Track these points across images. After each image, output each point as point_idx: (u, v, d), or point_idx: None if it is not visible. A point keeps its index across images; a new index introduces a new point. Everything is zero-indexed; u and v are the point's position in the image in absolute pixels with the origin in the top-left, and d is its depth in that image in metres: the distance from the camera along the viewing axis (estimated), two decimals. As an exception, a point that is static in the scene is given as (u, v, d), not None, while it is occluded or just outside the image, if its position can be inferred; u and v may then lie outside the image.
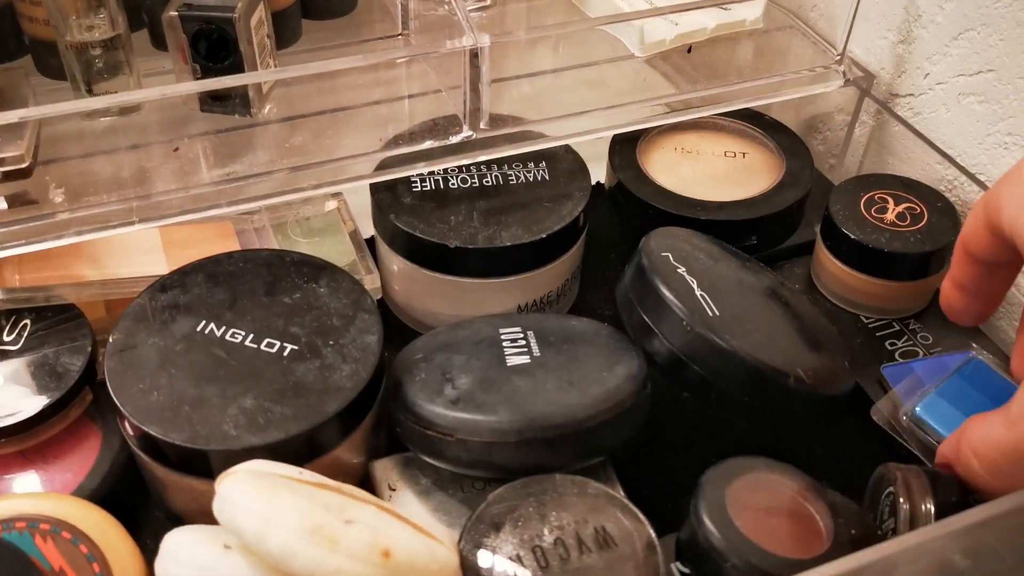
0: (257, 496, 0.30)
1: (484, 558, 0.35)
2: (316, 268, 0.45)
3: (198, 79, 0.47)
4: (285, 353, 0.40)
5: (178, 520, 0.41)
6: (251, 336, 0.41)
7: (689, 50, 0.53)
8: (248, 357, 0.40)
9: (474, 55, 0.46)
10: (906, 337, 0.50)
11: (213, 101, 0.48)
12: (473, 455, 0.39)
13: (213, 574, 0.31)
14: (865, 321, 0.51)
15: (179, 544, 0.33)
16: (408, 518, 0.33)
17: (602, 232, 0.56)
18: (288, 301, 0.43)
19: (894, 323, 0.51)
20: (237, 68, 0.47)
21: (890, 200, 0.50)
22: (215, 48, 0.47)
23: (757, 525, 0.36)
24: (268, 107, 0.50)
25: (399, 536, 0.31)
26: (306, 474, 0.34)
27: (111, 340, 0.41)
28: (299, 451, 0.38)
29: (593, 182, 0.51)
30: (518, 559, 0.35)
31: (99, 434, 0.43)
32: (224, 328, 0.41)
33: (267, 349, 0.41)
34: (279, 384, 0.39)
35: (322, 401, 0.39)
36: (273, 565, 0.30)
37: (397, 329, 0.52)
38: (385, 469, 0.43)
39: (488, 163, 0.51)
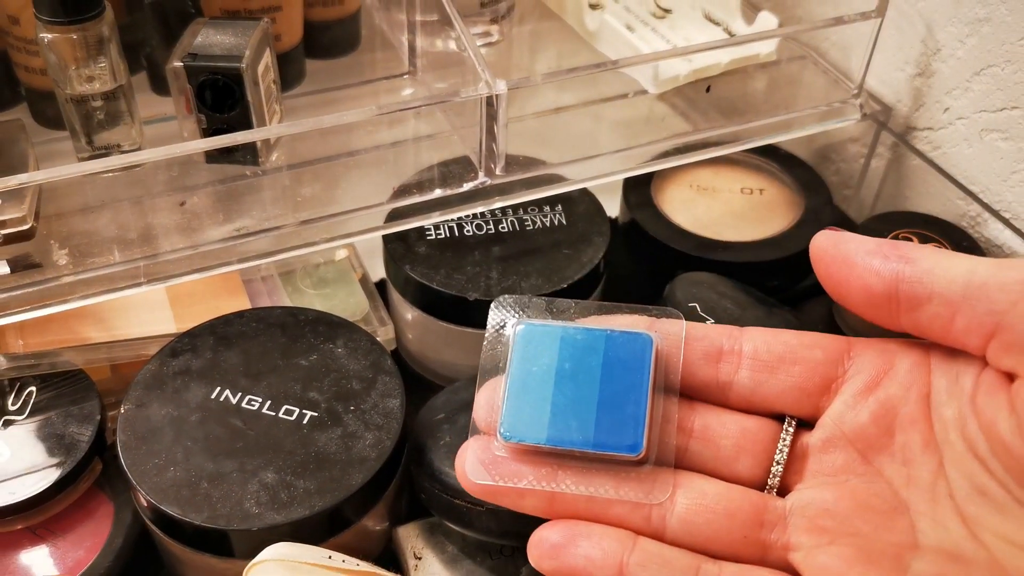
0: (291, 592, 0.29)
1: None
2: (332, 327, 0.43)
3: (203, 129, 0.46)
4: (305, 421, 0.39)
5: (196, 597, 0.39)
6: (268, 403, 0.39)
7: (708, 89, 0.52)
8: (266, 426, 0.39)
9: (490, 102, 0.44)
10: (934, 379, 0.49)
11: (220, 153, 0.47)
12: (503, 525, 0.38)
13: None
14: (891, 363, 0.49)
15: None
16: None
17: (616, 270, 0.54)
18: (305, 364, 0.41)
19: (920, 364, 0.49)
20: (244, 116, 0.45)
21: (915, 239, 0.49)
22: (221, 97, 0.45)
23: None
24: (275, 155, 0.48)
25: (440, 629, 0.29)
26: (336, 559, 0.33)
27: (122, 411, 0.39)
28: (323, 527, 0.37)
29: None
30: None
31: (110, 505, 0.41)
32: (240, 395, 0.40)
33: (286, 417, 0.39)
34: (300, 456, 0.38)
35: (346, 473, 0.37)
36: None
37: (413, 380, 0.50)
38: (409, 536, 0.41)
39: (503, 208, 0.50)
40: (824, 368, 0.32)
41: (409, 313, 0.49)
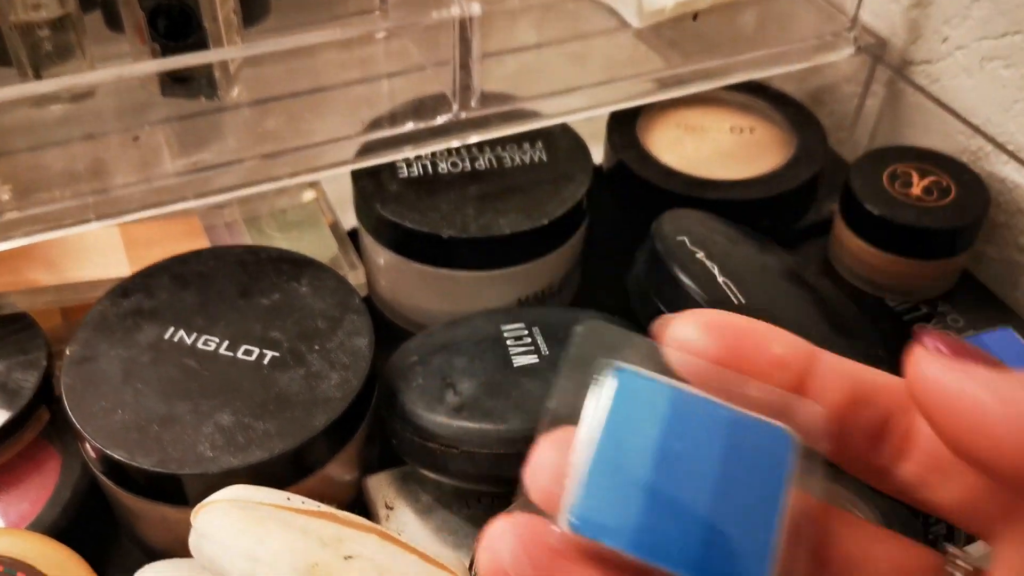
0: (242, 532, 0.26)
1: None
2: (296, 265, 0.40)
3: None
4: (265, 361, 0.36)
5: (151, 553, 0.37)
6: (226, 343, 0.37)
7: (695, 17, 0.49)
8: (223, 367, 0.36)
9: (464, 27, 0.42)
10: (935, 320, 0.46)
11: (176, 83, 0.44)
12: (481, 468, 0.35)
13: (192, 621, 0.27)
14: (891, 305, 0.47)
15: (152, 586, 0.29)
16: (415, 547, 0.29)
17: (601, 216, 0.52)
18: (266, 303, 0.38)
19: (921, 306, 0.47)
20: (201, 47, 0.43)
21: (914, 174, 0.47)
22: (176, 25, 0.42)
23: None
24: (236, 89, 0.46)
25: (406, 571, 0.27)
26: (295, 500, 0.30)
27: (68, 352, 0.36)
28: (285, 471, 0.34)
29: (591, 163, 0.47)
30: (539, 587, 0.31)
31: (58, 458, 0.38)
32: (195, 335, 0.37)
33: (245, 357, 0.36)
34: (260, 397, 0.35)
35: (309, 414, 0.34)
36: (262, 611, 0.26)
37: (385, 328, 0.48)
38: (380, 486, 0.38)
39: (480, 145, 0.47)
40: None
41: (381, 257, 0.46)
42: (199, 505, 0.29)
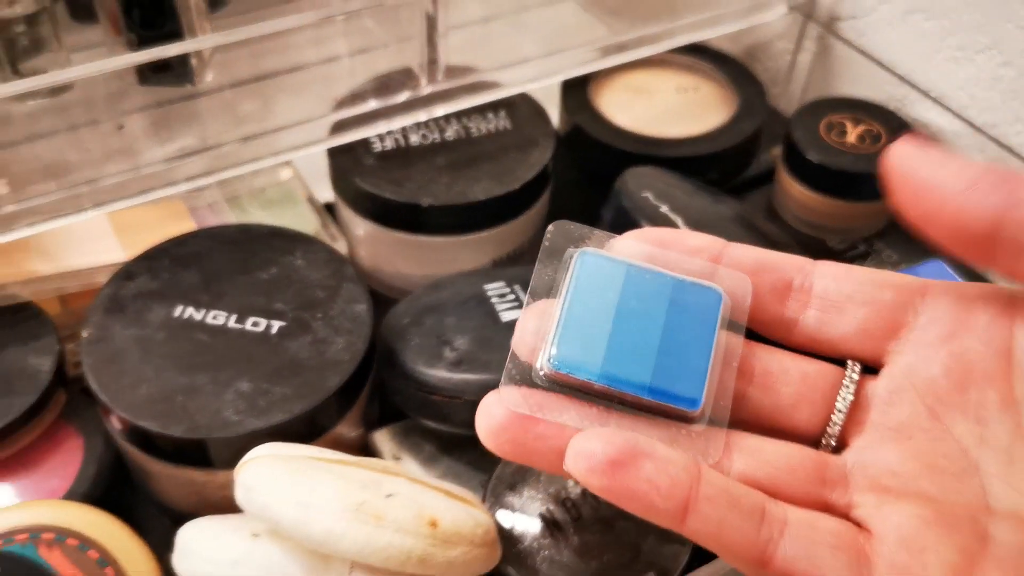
0: (289, 481, 0.29)
1: (514, 518, 0.34)
2: (288, 239, 0.43)
3: (135, 50, 0.44)
4: (273, 331, 0.39)
5: (175, 516, 0.39)
6: (234, 317, 0.39)
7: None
8: (234, 339, 0.38)
9: (431, 2, 0.44)
10: (872, 256, 0.51)
11: (153, 72, 0.45)
12: (482, 415, 0.38)
13: (248, 566, 0.30)
14: (831, 245, 0.51)
15: (202, 538, 0.32)
16: (438, 486, 0.32)
17: (561, 179, 0.55)
18: (265, 277, 0.41)
19: (859, 244, 0.51)
20: (177, 36, 0.44)
21: (848, 123, 0.51)
22: (150, 15, 0.44)
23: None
24: (210, 75, 0.47)
25: (439, 504, 0.30)
26: (327, 453, 0.33)
27: (84, 335, 0.38)
28: (302, 431, 0.37)
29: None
30: (549, 514, 0.34)
31: (78, 435, 0.40)
32: (203, 311, 0.39)
33: (253, 329, 0.39)
34: (273, 364, 0.37)
35: (322, 377, 0.37)
36: (317, 549, 0.29)
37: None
38: (385, 440, 0.41)
39: (447, 117, 0.50)
40: (893, 311, 0.29)
41: (360, 228, 0.48)
42: (241, 462, 0.31)
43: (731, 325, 0.28)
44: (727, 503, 0.25)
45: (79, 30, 0.50)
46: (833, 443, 0.29)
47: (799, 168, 0.50)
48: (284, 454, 0.31)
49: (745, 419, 0.29)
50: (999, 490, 0.26)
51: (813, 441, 0.29)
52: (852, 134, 0.50)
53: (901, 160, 0.28)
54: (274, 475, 0.29)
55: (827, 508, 0.27)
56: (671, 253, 0.28)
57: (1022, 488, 0.26)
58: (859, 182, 0.49)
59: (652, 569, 0.33)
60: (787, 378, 0.29)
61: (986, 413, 0.27)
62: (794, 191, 0.51)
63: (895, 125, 0.51)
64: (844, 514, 0.27)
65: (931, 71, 0.51)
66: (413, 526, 0.28)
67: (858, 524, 0.27)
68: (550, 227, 0.29)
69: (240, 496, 0.30)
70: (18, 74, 0.44)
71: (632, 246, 0.28)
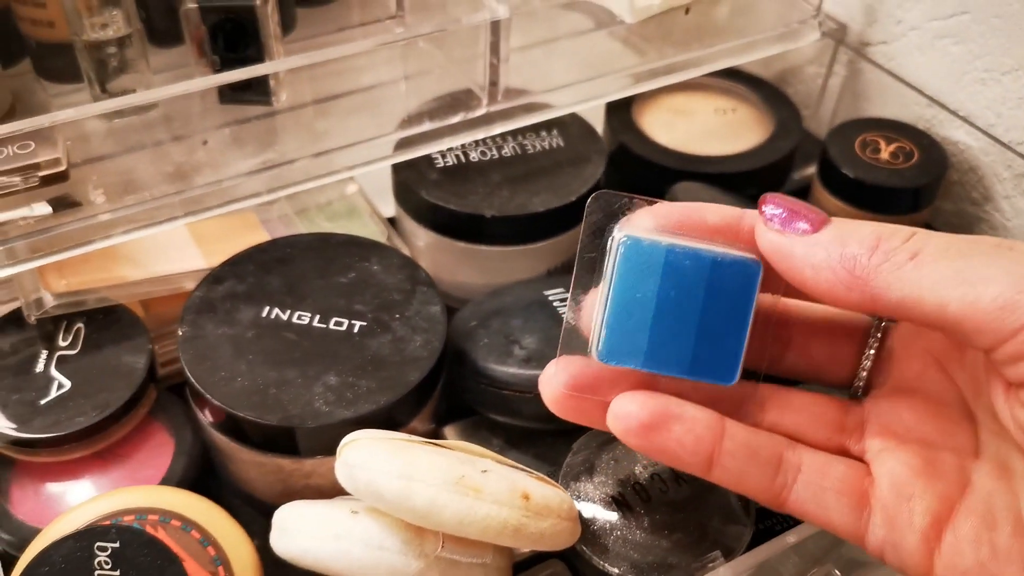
0: (392, 457, 0.32)
1: (585, 502, 0.37)
2: (363, 247, 0.46)
3: (218, 72, 0.47)
4: (355, 330, 0.41)
5: (259, 505, 0.42)
6: (317, 317, 0.42)
7: (687, 11, 0.56)
8: (319, 337, 0.41)
9: (494, 28, 0.47)
10: (906, 267, 0.53)
11: (234, 92, 0.48)
12: (551, 409, 0.41)
13: (350, 540, 0.32)
14: (867, 256, 0.54)
15: (303, 516, 0.34)
16: (520, 466, 0.35)
17: (607, 194, 0.58)
18: (344, 281, 0.44)
19: (892, 256, 0.54)
20: (258, 55, 0.47)
21: (882, 141, 0.54)
22: (234, 39, 0.47)
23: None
24: (284, 95, 0.50)
25: (527, 482, 0.33)
26: (415, 438, 0.35)
27: (180, 333, 0.41)
28: (383, 425, 0.39)
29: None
30: (620, 496, 0.37)
31: (167, 430, 0.43)
32: (288, 312, 0.42)
33: (336, 328, 0.41)
34: (357, 360, 0.40)
35: (403, 372, 0.40)
36: (418, 521, 0.31)
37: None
38: (454, 435, 0.44)
39: (504, 135, 0.53)
40: None
41: (422, 239, 0.51)
42: (342, 444, 0.34)
43: (770, 286, 0.31)
44: (746, 456, 0.30)
45: (155, 52, 0.53)
46: (860, 392, 0.33)
47: (835, 183, 0.53)
48: (381, 435, 0.34)
49: (781, 371, 0.33)
50: (986, 437, 0.30)
51: (847, 385, 0.33)
52: (886, 151, 0.53)
53: (767, 247, 0.30)
54: (376, 452, 0.32)
55: (845, 452, 0.32)
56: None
57: (1006, 436, 0.29)
58: (893, 196, 0.52)
59: (717, 547, 0.36)
60: (818, 340, 0.33)
61: (978, 371, 0.31)
62: (829, 205, 0.54)
63: (926, 143, 0.54)
64: (859, 457, 0.31)
65: (959, 92, 0.54)
66: (508, 499, 0.31)
67: (868, 467, 0.31)
68: (591, 199, 0.32)
69: (342, 474, 0.33)
70: (106, 93, 0.48)
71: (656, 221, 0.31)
